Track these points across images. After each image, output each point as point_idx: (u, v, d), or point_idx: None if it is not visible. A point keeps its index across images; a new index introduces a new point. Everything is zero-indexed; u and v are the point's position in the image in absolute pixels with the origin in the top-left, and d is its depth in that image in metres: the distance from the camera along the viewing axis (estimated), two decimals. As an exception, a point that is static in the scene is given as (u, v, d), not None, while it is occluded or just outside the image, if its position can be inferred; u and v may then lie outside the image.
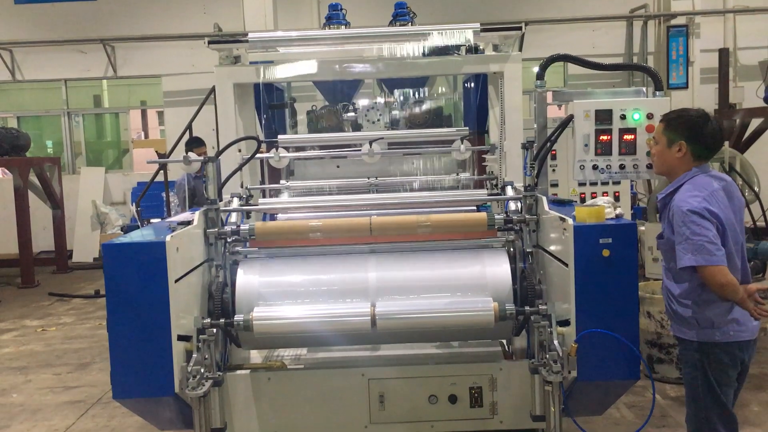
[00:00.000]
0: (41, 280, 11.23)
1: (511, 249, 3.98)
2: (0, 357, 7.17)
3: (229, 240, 3.96)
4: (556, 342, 3.37)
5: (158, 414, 3.73)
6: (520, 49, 4.83)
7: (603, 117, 3.73)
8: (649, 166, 3.69)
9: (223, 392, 3.79)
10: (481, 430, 3.93)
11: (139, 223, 7.30)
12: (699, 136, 3.20)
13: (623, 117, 3.70)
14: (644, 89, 4.13)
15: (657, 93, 3.96)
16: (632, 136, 3.71)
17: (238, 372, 3.90)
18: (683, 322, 3.19)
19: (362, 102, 6.78)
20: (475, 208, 5.18)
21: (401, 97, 6.84)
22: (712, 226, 3.02)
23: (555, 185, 7.35)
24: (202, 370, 3.41)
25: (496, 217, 3.97)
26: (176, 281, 3.39)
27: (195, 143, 8.34)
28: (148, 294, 3.30)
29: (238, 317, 3.65)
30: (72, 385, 6.16)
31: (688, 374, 3.23)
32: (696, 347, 3.16)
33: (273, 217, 5.22)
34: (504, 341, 4.50)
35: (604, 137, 3.74)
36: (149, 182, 9.93)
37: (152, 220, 4.59)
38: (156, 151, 12.65)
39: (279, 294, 3.87)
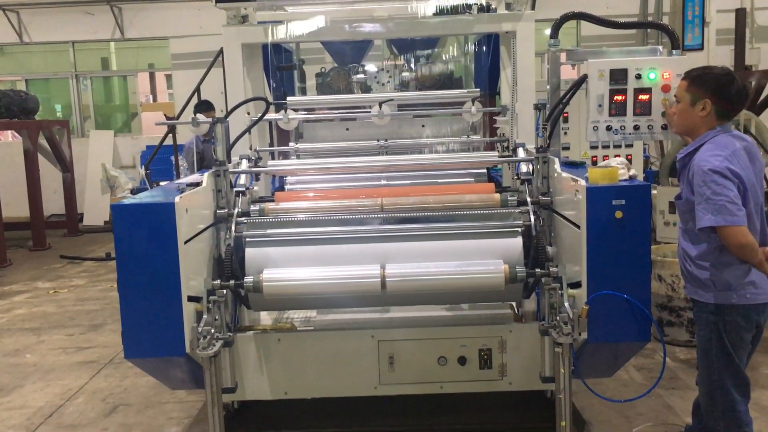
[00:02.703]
0: (52, 243, 11.31)
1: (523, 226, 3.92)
2: (13, 318, 7.25)
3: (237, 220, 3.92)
4: (566, 304, 3.36)
5: (170, 374, 3.76)
6: (533, 8, 4.73)
7: (618, 76, 3.65)
8: (664, 127, 3.63)
9: (234, 353, 3.81)
10: (490, 391, 3.95)
11: (148, 186, 7.31)
12: (725, 94, 3.11)
13: (638, 76, 3.62)
14: (660, 48, 4.05)
15: (674, 52, 3.87)
16: (647, 96, 3.63)
17: (249, 333, 3.92)
18: (699, 284, 3.16)
19: (372, 64, 6.70)
20: (485, 170, 5.14)
21: (411, 59, 6.76)
22: (734, 186, 2.97)
23: (566, 148, 7.28)
24: (213, 331, 3.43)
25: (509, 198, 3.93)
26: (186, 242, 3.39)
27: (204, 107, 8.27)
28: (158, 255, 3.30)
29: (248, 279, 3.65)
30: (84, 345, 6.23)
31: (703, 336, 3.21)
32: (712, 309, 3.13)
33: (282, 180, 5.20)
34: (514, 304, 4.49)
35: (619, 97, 3.67)
36: (158, 145, 9.90)
37: (161, 183, 4.57)
38: (164, 115, 12.61)
39: (289, 256, 3.86)
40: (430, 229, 3.91)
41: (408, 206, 3.98)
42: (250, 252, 3.84)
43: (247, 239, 3.88)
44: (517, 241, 3.79)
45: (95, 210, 13.07)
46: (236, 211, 3.90)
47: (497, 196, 4.00)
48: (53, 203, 12.71)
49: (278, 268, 3.74)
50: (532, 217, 3.78)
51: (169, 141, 10.04)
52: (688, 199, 3.12)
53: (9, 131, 13.41)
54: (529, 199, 3.87)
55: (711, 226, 2.97)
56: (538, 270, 3.56)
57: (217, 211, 3.88)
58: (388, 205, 3.96)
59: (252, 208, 3.98)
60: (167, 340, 3.37)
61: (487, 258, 3.71)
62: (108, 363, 5.72)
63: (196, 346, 3.38)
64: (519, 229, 3.82)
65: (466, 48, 7.13)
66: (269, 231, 3.93)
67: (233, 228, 3.84)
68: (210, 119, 4.20)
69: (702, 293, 3.16)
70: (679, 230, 3.31)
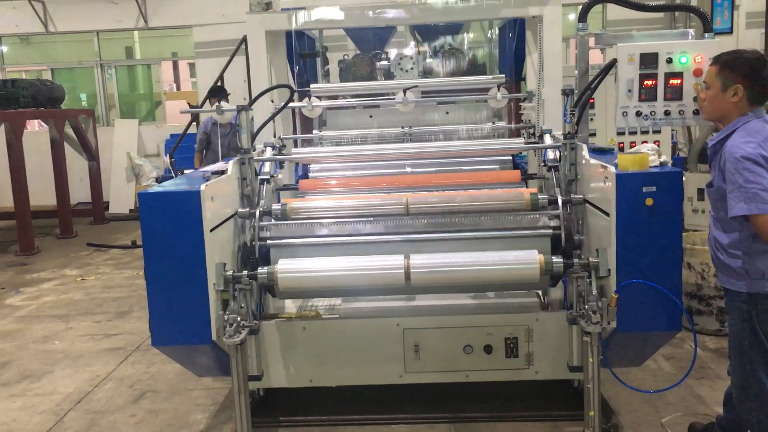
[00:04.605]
0: (79, 231, 11.43)
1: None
2: (41, 305, 7.35)
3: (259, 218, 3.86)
4: (595, 292, 3.31)
5: (196, 361, 3.79)
6: (559, -8, 4.64)
7: (648, 61, 3.57)
8: (696, 112, 3.55)
9: (260, 341, 3.82)
10: (516, 380, 3.93)
11: (173, 174, 7.35)
12: (757, 78, 3.02)
13: (669, 60, 3.53)
14: (691, 31, 3.95)
15: (706, 35, 3.78)
16: (679, 81, 3.54)
17: (274, 321, 3.92)
18: (732, 272, 3.09)
19: (395, 51, 6.65)
20: (510, 157, 5.09)
21: (435, 45, 6.70)
22: (766, 173, 2.89)
23: (593, 134, 7.17)
24: (239, 319, 3.43)
25: (540, 197, 3.82)
26: (211, 230, 3.39)
27: (220, 93, 8.25)
28: (184, 243, 3.32)
29: (262, 270, 3.60)
30: (112, 332, 6.29)
31: (735, 326, 3.14)
32: (745, 298, 3.06)
33: (306, 167, 5.19)
34: (540, 292, 4.45)
35: (649, 82, 3.59)
36: (182, 133, 9.94)
37: (186, 171, 4.59)
38: (188, 103, 12.65)
39: (314, 243, 3.85)
40: (456, 226, 3.84)
41: (434, 207, 3.86)
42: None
43: (270, 241, 3.85)
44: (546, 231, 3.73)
45: (121, 198, 13.19)
46: (258, 211, 3.83)
47: (527, 195, 3.85)
48: (79, 191, 12.85)
49: (294, 259, 3.70)
50: (562, 217, 3.68)
51: (193, 129, 10.07)
52: (720, 186, 3.04)
53: (36, 120, 13.54)
54: (560, 198, 3.75)
55: (743, 214, 2.90)
56: (576, 260, 3.46)
57: (239, 210, 3.83)
58: (414, 205, 3.84)
59: (274, 207, 3.91)
60: (194, 327, 3.39)
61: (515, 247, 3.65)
62: (135, 350, 5.78)
63: (223, 334, 3.39)
64: (549, 231, 3.72)
65: (491, 33, 7.05)
66: (292, 233, 3.89)
67: (257, 229, 3.79)
68: (233, 107, 4.19)
69: (734, 282, 3.08)
70: (710, 218, 3.23)
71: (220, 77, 10.15)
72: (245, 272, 3.57)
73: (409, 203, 3.85)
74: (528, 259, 3.50)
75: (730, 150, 2.96)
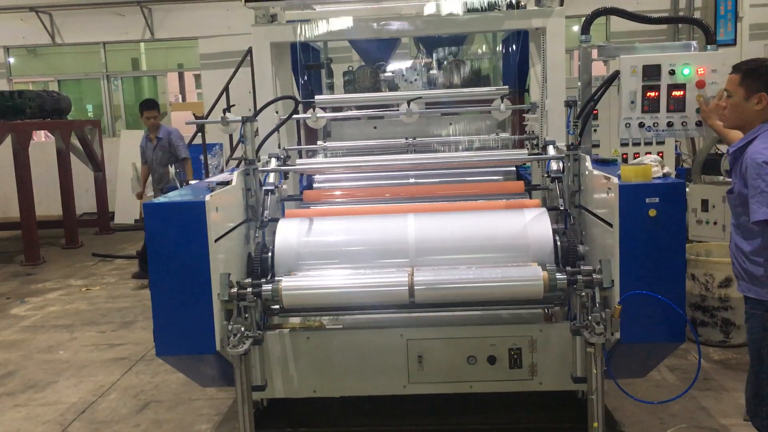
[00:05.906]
0: (84, 241, 11.46)
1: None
2: (46, 315, 7.37)
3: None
4: (599, 304, 3.31)
5: (200, 371, 3.79)
6: (561, 4, 4.67)
7: (651, 73, 3.60)
8: (699, 124, 3.56)
9: (263, 351, 3.81)
10: (520, 391, 3.92)
11: (178, 185, 7.39)
12: None
13: (672, 72, 3.56)
14: (694, 43, 3.98)
15: (708, 47, 3.80)
16: (681, 93, 3.57)
17: (278, 331, 3.92)
18: (754, 280, 3.07)
19: (399, 62, 6.69)
20: (514, 168, 5.10)
21: (439, 56, 6.73)
22: None
23: (596, 145, 7.16)
24: (243, 329, 3.44)
25: (558, 277, 3.44)
26: (216, 241, 3.41)
27: (151, 106, 8.64)
28: (188, 253, 3.33)
29: (266, 287, 3.57)
30: (116, 342, 6.31)
31: (755, 335, 3.11)
32: (767, 307, 3.05)
33: (310, 178, 5.22)
34: (544, 303, 4.44)
35: (652, 94, 3.61)
36: (187, 144, 9.98)
37: (191, 182, 4.62)
38: (193, 114, 12.71)
39: (318, 256, 3.86)
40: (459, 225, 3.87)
41: (440, 294, 3.61)
42: (279, 251, 3.85)
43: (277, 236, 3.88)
44: (549, 243, 3.74)
45: (126, 209, 13.20)
46: (261, 290, 3.60)
47: (546, 279, 3.45)
48: (85, 202, 12.90)
49: (298, 277, 3.70)
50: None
51: (198, 140, 10.13)
52: (741, 192, 3.03)
53: (42, 131, 13.64)
54: (565, 272, 3.48)
55: (766, 219, 2.90)
56: (579, 277, 3.40)
57: (238, 290, 3.53)
58: (420, 287, 3.53)
59: (264, 288, 3.59)
60: (198, 337, 3.40)
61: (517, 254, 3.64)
62: (139, 360, 5.79)
63: (227, 344, 3.40)
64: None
65: (495, 45, 7.09)
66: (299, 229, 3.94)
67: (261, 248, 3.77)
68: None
69: (756, 290, 3.05)
70: (731, 227, 3.22)
71: (226, 88, 10.21)
72: (250, 290, 3.52)
73: (414, 285, 3.54)
74: (532, 275, 3.49)
75: (751, 156, 2.96)
